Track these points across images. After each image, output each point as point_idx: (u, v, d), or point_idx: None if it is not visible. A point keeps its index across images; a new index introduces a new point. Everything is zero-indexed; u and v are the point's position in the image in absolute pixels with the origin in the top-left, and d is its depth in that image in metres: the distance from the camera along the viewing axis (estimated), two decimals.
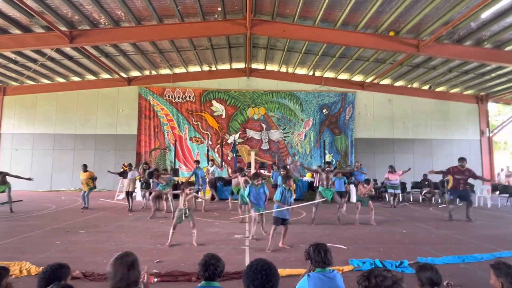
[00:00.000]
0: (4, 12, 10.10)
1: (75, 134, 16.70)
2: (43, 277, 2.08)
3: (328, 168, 8.57)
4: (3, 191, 9.18)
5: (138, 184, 11.78)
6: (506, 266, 2.10)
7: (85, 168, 10.24)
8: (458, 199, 9.16)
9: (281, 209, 5.43)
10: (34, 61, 13.74)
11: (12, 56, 13.28)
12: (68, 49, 13.07)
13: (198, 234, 5.78)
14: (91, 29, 11.26)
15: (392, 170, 11.63)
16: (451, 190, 8.90)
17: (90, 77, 16.60)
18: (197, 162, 10.87)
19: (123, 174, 10.85)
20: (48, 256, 4.77)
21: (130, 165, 10.90)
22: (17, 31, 11.10)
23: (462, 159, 8.85)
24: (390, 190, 11.64)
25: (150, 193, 9.38)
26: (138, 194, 11.92)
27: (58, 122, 16.76)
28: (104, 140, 16.70)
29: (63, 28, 10.89)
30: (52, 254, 4.88)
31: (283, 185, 5.64)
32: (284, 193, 5.54)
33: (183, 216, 5.62)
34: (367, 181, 8.58)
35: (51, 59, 13.82)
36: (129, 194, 9.94)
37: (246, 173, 8.76)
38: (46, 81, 16.61)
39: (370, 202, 8.07)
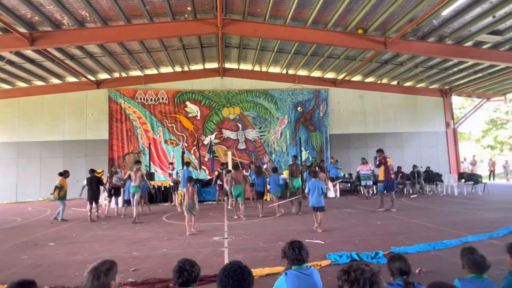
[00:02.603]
0: None
1: (41, 142, 15.84)
2: None
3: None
4: None
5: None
6: (468, 250, 2.36)
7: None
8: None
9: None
10: None
11: None
12: (29, 52, 12.35)
13: (177, 238, 5.76)
14: (53, 30, 10.72)
15: (364, 161, 12.10)
16: None
17: (55, 80, 15.81)
18: (188, 164, 11.28)
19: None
20: (13, 272, 4.48)
21: (91, 170, 9.68)
22: None
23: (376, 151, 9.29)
24: (362, 182, 12.12)
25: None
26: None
27: (21, 130, 15.82)
28: (73, 147, 15.98)
29: (22, 30, 10.30)
30: (18, 270, 4.58)
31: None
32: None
33: (189, 208, 6.70)
34: (320, 168, 9.79)
35: (11, 62, 13.01)
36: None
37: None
38: (6, 86, 15.63)
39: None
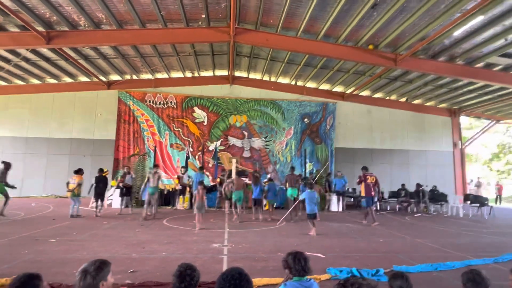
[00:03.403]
0: None
1: (49, 138, 16.06)
2: None
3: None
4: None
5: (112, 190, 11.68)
6: (471, 273, 2.29)
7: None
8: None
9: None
10: (8, 61, 13.19)
11: None
12: (44, 50, 12.65)
13: (176, 243, 5.76)
14: (69, 30, 10.97)
15: None
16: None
17: (67, 79, 16.10)
18: (201, 168, 12.10)
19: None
20: (12, 266, 4.50)
21: (100, 170, 10.44)
22: None
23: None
24: None
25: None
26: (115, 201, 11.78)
27: (31, 125, 16.07)
28: (80, 145, 16.15)
29: (40, 28, 10.56)
30: (17, 265, 4.60)
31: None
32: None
33: (199, 208, 7.86)
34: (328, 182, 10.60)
35: (26, 59, 13.33)
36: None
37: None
38: (19, 82, 15.96)
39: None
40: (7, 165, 9.53)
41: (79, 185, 9.61)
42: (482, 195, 15.33)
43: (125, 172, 11.16)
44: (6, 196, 9.22)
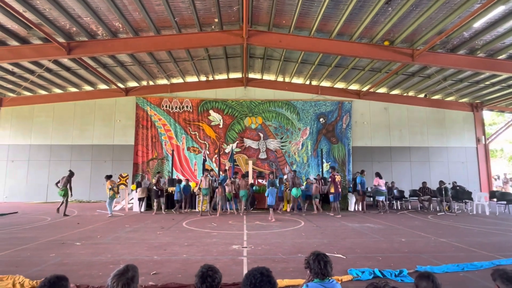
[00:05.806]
0: (2, 24, 10.18)
1: (71, 145, 16.64)
2: None
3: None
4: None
5: (133, 193, 12.15)
6: (501, 271, 2.13)
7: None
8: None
9: None
10: (32, 72, 13.79)
11: (9, 67, 13.33)
12: (65, 60, 13.14)
13: (196, 245, 5.85)
14: (88, 40, 11.36)
15: (377, 176, 12.12)
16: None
17: (88, 87, 16.66)
18: (225, 171, 13.26)
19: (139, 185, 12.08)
20: (42, 269, 4.68)
21: (142, 176, 12.73)
22: (14, 43, 11.17)
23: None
24: (376, 197, 12.13)
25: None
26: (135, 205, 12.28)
27: (54, 133, 16.72)
28: (101, 151, 16.64)
29: (61, 40, 10.98)
30: (46, 267, 4.78)
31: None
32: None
33: (220, 200, 10.89)
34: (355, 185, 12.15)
35: (49, 70, 13.88)
36: (141, 200, 12.03)
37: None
38: (43, 92, 16.63)
39: (316, 201, 11.65)
40: (71, 174, 11.25)
41: (118, 186, 11.13)
42: (509, 191, 14.71)
43: (159, 177, 12.21)
44: (66, 199, 10.79)
